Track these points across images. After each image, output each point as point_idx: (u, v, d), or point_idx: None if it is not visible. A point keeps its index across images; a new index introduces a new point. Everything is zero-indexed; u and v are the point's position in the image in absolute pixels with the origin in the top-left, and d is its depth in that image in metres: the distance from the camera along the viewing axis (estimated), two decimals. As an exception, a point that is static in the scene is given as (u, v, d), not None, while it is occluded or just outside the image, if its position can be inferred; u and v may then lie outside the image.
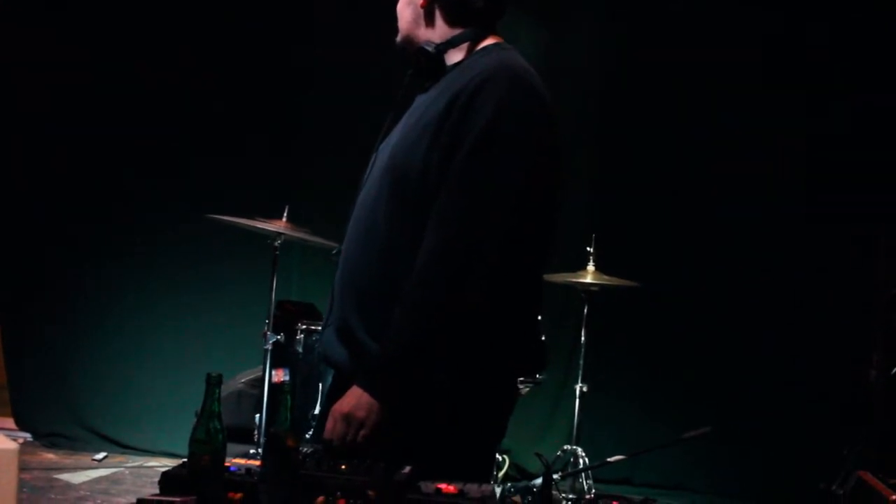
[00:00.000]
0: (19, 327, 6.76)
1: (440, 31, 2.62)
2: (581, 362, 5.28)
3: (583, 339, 5.28)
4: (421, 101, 2.62)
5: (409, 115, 2.62)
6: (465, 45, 2.61)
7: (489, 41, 2.63)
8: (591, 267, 5.24)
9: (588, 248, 5.27)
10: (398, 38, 2.68)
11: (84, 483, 5.76)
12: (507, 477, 5.56)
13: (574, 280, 5.22)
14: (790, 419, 5.97)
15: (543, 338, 4.92)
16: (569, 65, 6.43)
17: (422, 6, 2.62)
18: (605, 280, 5.21)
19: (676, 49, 6.23)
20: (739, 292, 6.13)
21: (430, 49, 2.60)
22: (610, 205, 6.28)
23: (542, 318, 4.82)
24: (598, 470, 5.33)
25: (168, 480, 2.12)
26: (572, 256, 5.45)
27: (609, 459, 4.61)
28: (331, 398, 2.55)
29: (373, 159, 2.65)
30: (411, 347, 2.38)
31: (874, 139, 5.96)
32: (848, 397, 5.77)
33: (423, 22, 2.63)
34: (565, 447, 5.25)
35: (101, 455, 6.40)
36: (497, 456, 4.78)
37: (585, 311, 5.30)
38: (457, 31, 2.62)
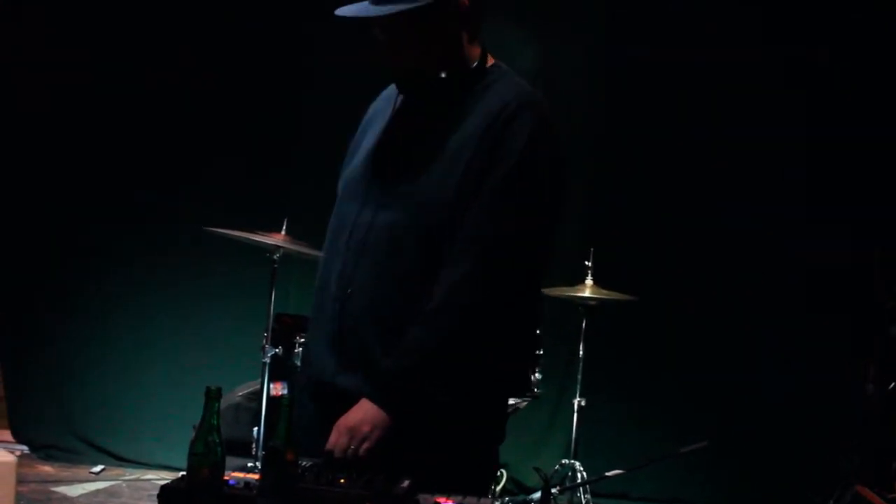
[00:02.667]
0: (17, 339, 6.75)
1: (461, 49, 2.57)
2: (579, 376, 5.28)
3: (581, 353, 5.28)
4: (434, 124, 2.55)
5: (422, 139, 2.56)
6: (474, 66, 2.59)
7: (491, 60, 2.63)
8: (589, 281, 5.24)
9: (586, 262, 5.27)
10: (416, 61, 2.53)
11: (81, 496, 5.76)
12: (504, 491, 5.56)
13: (572, 294, 5.22)
14: (787, 433, 5.97)
15: (541, 352, 4.95)
16: (566, 79, 6.44)
17: (460, 19, 2.52)
18: (604, 294, 5.21)
19: (673, 64, 6.24)
20: (737, 306, 6.14)
21: (446, 75, 2.54)
22: (608, 218, 6.28)
23: (539, 331, 4.87)
24: (596, 484, 5.32)
25: (167, 494, 2.13)
26: (570, 270, 5.45)
27: (607, 474, 4.61)
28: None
29: (360, 179, 2.61)
30: (431, 368, 2.42)
31: (874, 146, 5.97)
32: (845, 411, 5.78)
33: (456, 41, 2.55)
34: (563, 461, 5.24)
35: (98, 468, 6.39)
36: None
37: (583, 325, 5.30)
38: (471, 51, 2.58)
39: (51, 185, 6.65)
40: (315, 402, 2.59)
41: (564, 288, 5.26)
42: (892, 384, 5.43)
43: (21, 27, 6.73)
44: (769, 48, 6.14)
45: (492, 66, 2.62)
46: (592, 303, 5.28)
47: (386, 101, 2.73)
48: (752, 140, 6.17)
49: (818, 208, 6.06)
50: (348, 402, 2.45)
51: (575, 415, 5.22)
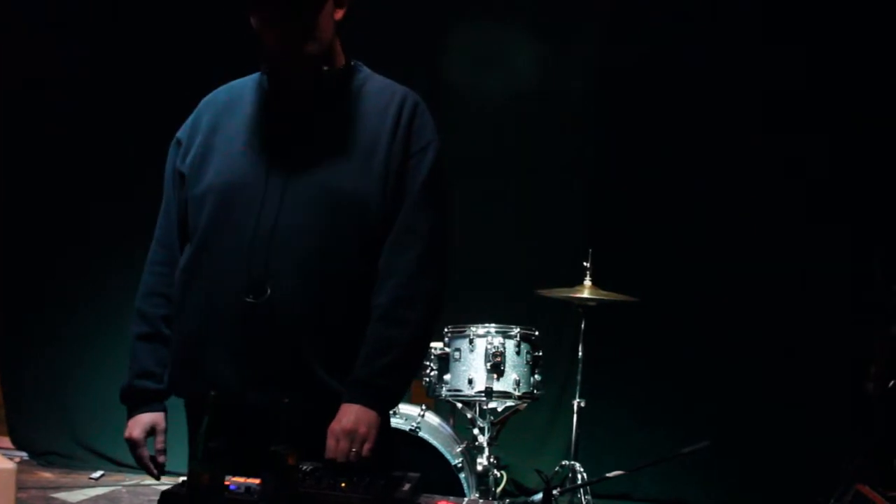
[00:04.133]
0: (16, 346, 6.75)
1: (336, 45, 2.62)
2: (578, 377, 5.27)
3: (580, 353, 5.27)
4: (324, 119, 2.56)
5: (317, 134, 2.54)
6: (344, 62, 2.65)
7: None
8: (587, 282, 5.23)
9: (585, 264, 5.26)
10: (313, 50, 2.51)
11: (81, 502, 5.75)
12: (504, 493, 5.55)
13: (571, 295, 5.21)
14: (788, 432, 5.97)
15: (541, 353, 4.94)
16: (565, 81, 6.44)
17: (338, 20, 2.57)
18: (603, 295, 5.20)
19: (673, 65, 6.23)
20: (737, 306, 6.13)
21: (328, 69, 2.57)
22: (607, 220, 6.28)
23: (539, 333, 4.86)
24: (597, 485, 5.31)
25: (168, 499, 2.12)
26: (569, 271, 5.44)
27: (608, 475, 4.59)
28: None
29: (248, 178, 2.51)
30: (409, 361, 2.50)
31: (875, 148, 5.96)
32: (846, 410, 5.77)
33: (334, 37, 2.60)
34: (563, 462, 5.24)
35: (97, 473, 6.38)
36: (495, 471, 4.77)
37: (583, 326, 5.29)
38: (340, 47, 2.64)
39: (52, 192, 6.66)
40: (211, 417, 2.31)
41: (563, 289, 5.25)
42: (892, 382, 5.42)
43: (25, 30, 6.75)
44: (770, 48, 6.13)
45: (355, 63, 2.67)
46: (591, 304, 5.27)
47: (228, 100, 2.68)
48: (752, 141, 6.16)
49: (818, 207, 6.05)
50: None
51: (575, 416, 5.20)
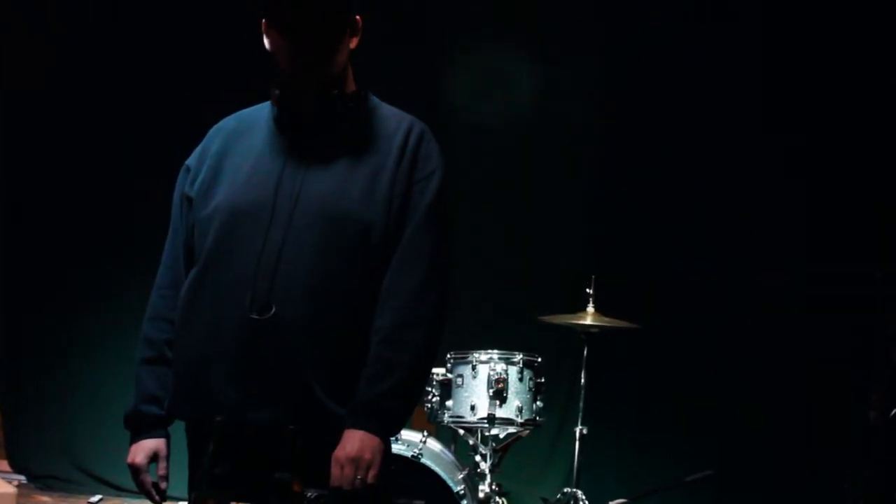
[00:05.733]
0: (14, 368, 6.73)
1: (348, 73, 2.65)
2: (581, 404, 5.25)
3: (582, 380, 5.26)
4: (333, 144, 2.58)
5: (325, 159, 2.56)
6: (355, 87, 2.67)
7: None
8: (590, 308, 5.22)
9: (588, 290, 5.25)
10: (327, 72, 2.54)
11: (79, 526, 5.73)
12: (505, 519, 5.52)
13: (574, 322, 5.20)
14: (791, 460, 5.94)
15: (543, 380, 4.92)
16: (565, 103, 6.44)
17: (351, 48, 2.61)
18: (605, 322, 5.19)
19: (675, 87, 6.23)
20: (739, 334, 6.11)
21: (350, 95, 2.61)
22: (610, 246, 6.27)
23: (541, 359, 4.84)
24: (600, 513, 5.29)
25: (172, 526, 2.11)
26: (572, 298, 5.43)
27: (611, 503, 4.58)
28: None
29: (256, 200, 2.53)
30: (412, 384, 2.49)
31: (875, 167, 5.96)
32: (848, 438, 5.74)
33: (347, 64, 2.63)
34: (565, 490, 5.21)
35: (96, 498, 6.27)
36: (497, 499, 4.75)
37: (585, 352, 5.28)
38: (351, 72, 2.67)
39: (51, 217, 6.66)
40: (216, 443, 2.37)
41: (566, 315, 5.24)
42: (894, 411, 5.41)
43: (25, 30, 6.76)
44: (770, 48, 6.13)
45: (365, 91, 2.69)
46: (594, 330, 5.25)
47: (238, 126, 2.72)
48: (754, 162, 6.16)
49: (819, 231, 6.04)
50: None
51: (577, 443, 5.18)
